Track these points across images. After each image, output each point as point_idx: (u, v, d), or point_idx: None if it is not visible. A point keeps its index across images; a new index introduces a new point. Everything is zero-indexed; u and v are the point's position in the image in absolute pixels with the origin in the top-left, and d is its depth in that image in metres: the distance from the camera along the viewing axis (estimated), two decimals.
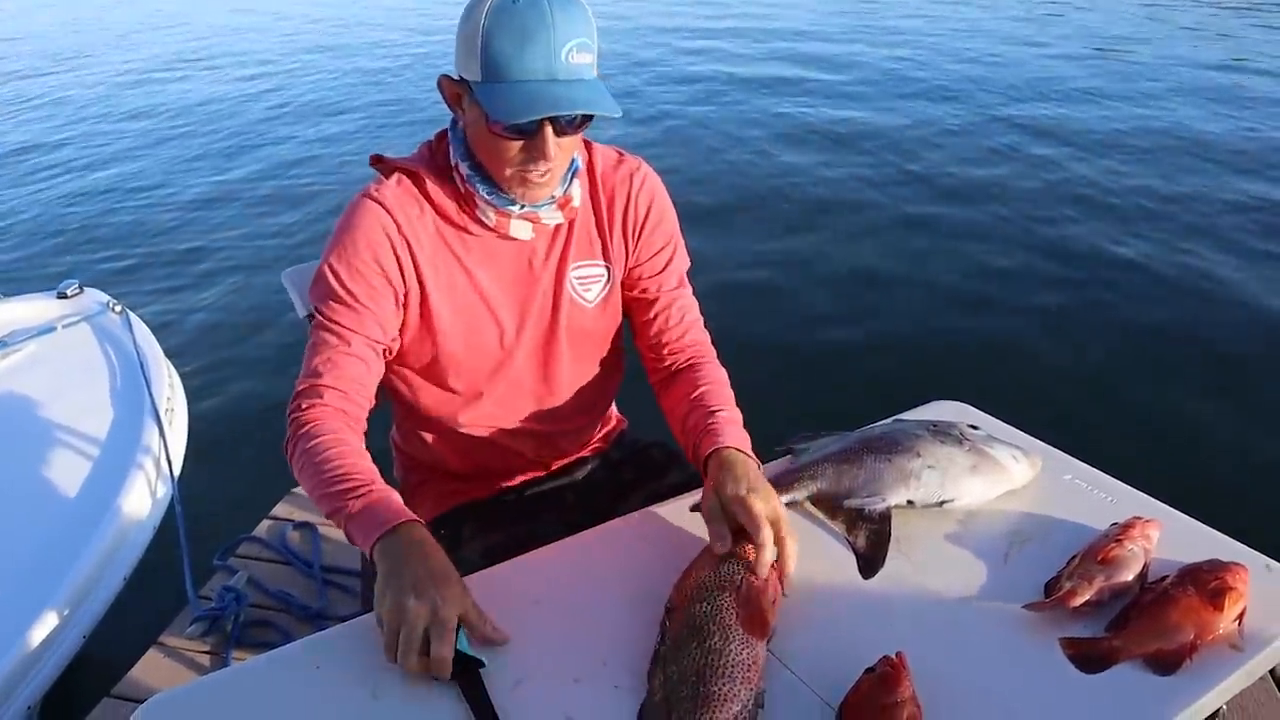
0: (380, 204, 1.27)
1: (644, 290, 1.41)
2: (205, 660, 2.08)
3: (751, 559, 1.10)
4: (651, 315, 1.42)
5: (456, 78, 1.21)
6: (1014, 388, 3.49)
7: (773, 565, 1.10)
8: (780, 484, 1.31)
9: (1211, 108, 7.45)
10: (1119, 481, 1.34)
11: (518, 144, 1.19)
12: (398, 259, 1.27)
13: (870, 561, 1.20)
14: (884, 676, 0.96)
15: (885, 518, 1.25)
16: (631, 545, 1.23)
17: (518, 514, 1.49)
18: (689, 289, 1.46)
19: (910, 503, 1.28)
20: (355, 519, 1.13)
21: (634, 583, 1.14)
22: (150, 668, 2.06)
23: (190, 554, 2.25)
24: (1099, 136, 6.75)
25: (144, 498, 2.36)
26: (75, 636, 2.10)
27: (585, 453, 1.59)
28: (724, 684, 0.97)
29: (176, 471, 2.54)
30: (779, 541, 1.10)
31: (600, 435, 1.60)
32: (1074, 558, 1.16)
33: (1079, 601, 1.08)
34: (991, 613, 1.10)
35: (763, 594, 1.07)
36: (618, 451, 1.60)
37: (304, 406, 1.26)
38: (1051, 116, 7.30)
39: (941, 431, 1.35)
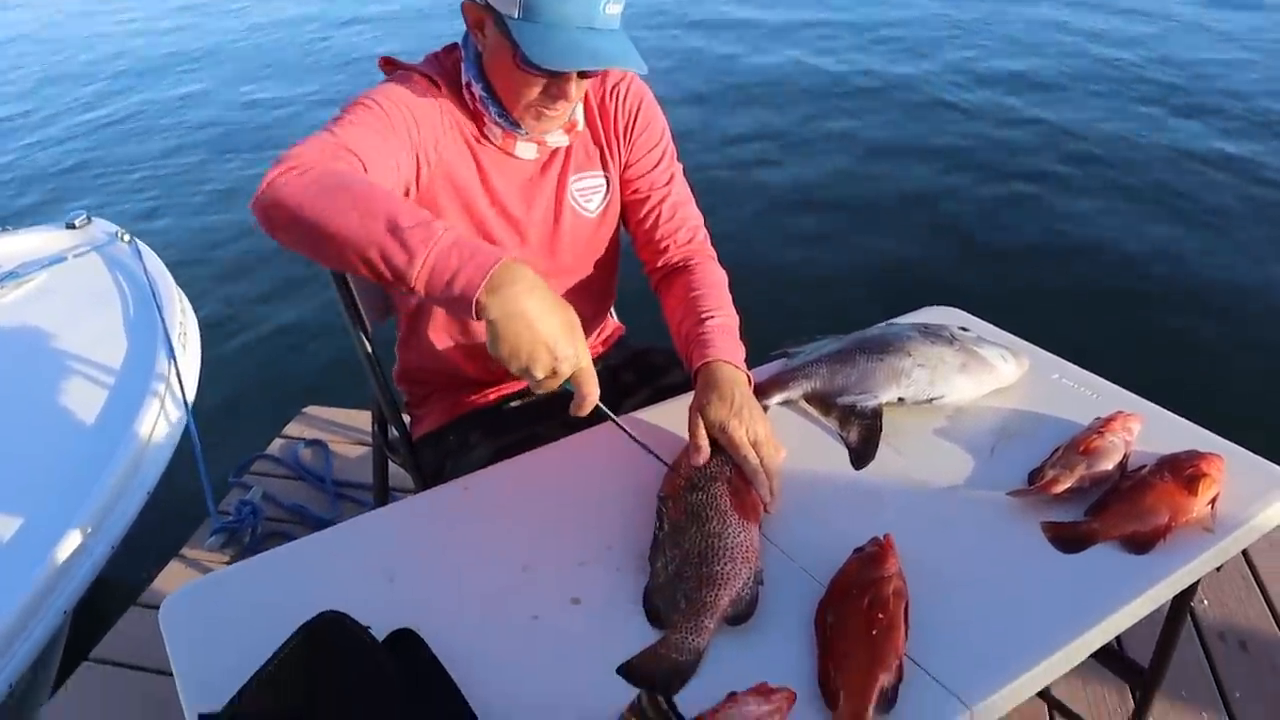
0: (407, 81, 1.26)
1: (636, 190, 1.44)
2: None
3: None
4: (644, 214, 1.44)
5: (483, 3, 1.20)
6: (1007, 296, 3.57)
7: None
8: (775, 384, 1.35)
9: None
10: (1105, 380, 1.38)
11: (541, 83, 1.22)
12: (426, 121, 1.25)
13: (861, 454, 1.25)
14: (872, 555, 1.01)
15: (877, 414, 1.30)
16: (632, 442, 1.28)
17: (522, 419, 1.54)
18: (685, 190, 1.48)
19: (901, 400, 1.32)
20: (453, 252, 0.98)
21: (635, 476, 1.19)
22: (172, 578, 2.14)
23: (208, 472, 2.32)
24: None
25: (160, 420, 2.42)
26: (103, 549, 2.18)
27: None
28: (725, 564, 1.02)
29: (191, 395, 2.60)
30: (763, 463, 1.15)
31: (600, 340, 1.64)
32: (1058, 449, 1.20)
33: (1061, 488, 1.13)
34: (976, 500, 1.15)
35: (748, 491, 1.13)
36: (617, 355, 1.64)
37: (304, 145, 1.10)
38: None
39: (932, 333, 1.38)
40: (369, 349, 1.58)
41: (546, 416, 1.56)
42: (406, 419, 1.63)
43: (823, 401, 1.34)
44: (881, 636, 0.92)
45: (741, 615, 1.00)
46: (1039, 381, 1.38)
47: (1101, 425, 1.21)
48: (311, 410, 2.76)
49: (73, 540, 2.12)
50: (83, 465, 2.27)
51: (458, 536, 1.13)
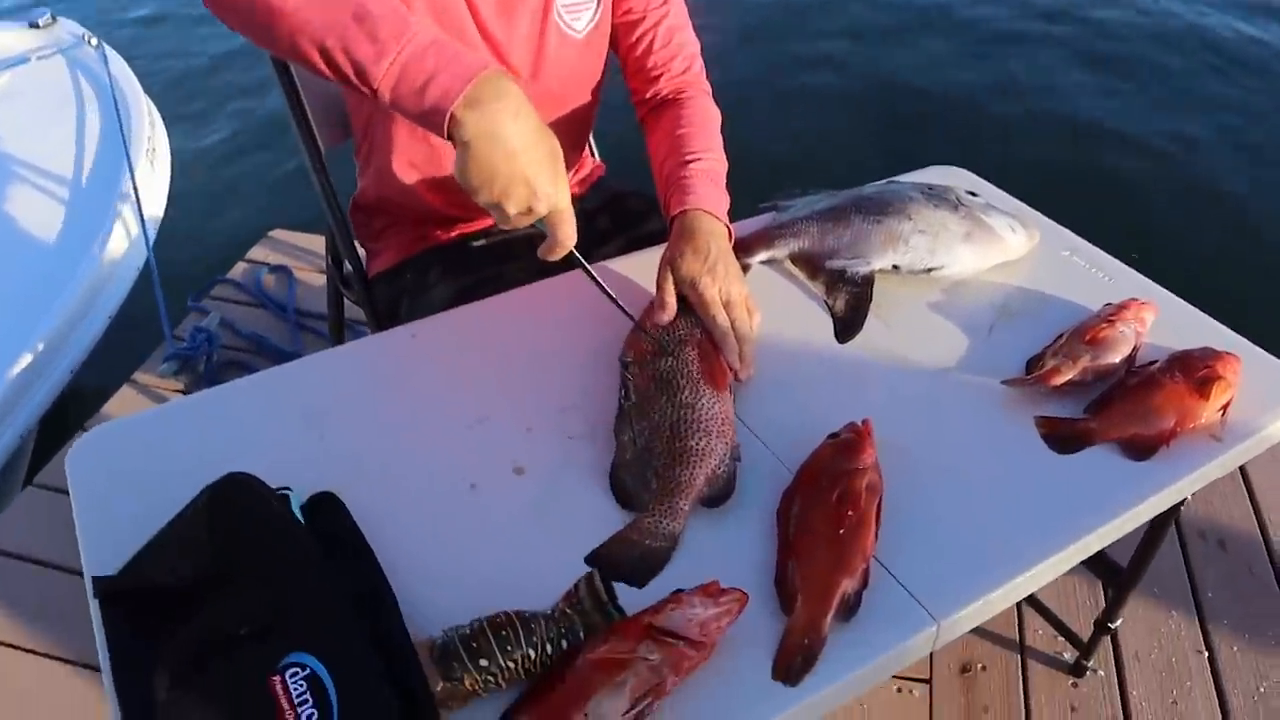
0: None
1: (629, 11, 1.27)
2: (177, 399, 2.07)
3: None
4: (637, 37, 1.28)
5: None
6: (1020, 161, 3.33)
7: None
8: (760, 240, 1.23)
9: None
10: (1119, 262, 1.26)
11: None
12: None
13: (847, 325, 1.14)
14: (846, 442, 0.91)
15: (868, 281, 1.18)
16: (603, 295, 1.16)
17: (486, 258, 1.41)
18: (683, 13, 1.31)
19: (896, 268, 1.20)
20: (430, 53, 0.84)
21: (600, 332, 1.08)
22: (123, 405, 2.05)
23: (164, 295, 2.20)
24: None
25: (124, 238, 2.29)
26: (63, 370, 2.10)
27: None
28: (700, 438, 0.93)
29: (159, 210, 2.46)
30: (735, 327, 1.04)
31: (576, 180, 1.50)
32: (1061, 336, 1.10)
33: (1060, 380, 1.03)
34: (967, 386, 1.05)
35: (718, 357, 1.02)
36: (595, 198, 1.51)
37: None
38: None
39: (936, 196, 1.25)
40: (322, 172, 1.44)
41: (513, 257, 1.43)
42: (363, 252, 1.50)
43: (810, 264, 1.22)
44: (849, 536, 0.83)
45: (719, 495, 0.91)
46: (1048, 257, 1.26)
47: (1111, 313, 1.10)
48: (278, 234, 2.62)
49: (32, 360, 2.03)
50: (42, 282, 2.16)
51: (398, 389, 1.03)
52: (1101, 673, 1.55)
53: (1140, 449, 0.97)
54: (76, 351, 2.14)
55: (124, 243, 2.30)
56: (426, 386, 1.03)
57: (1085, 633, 1.55)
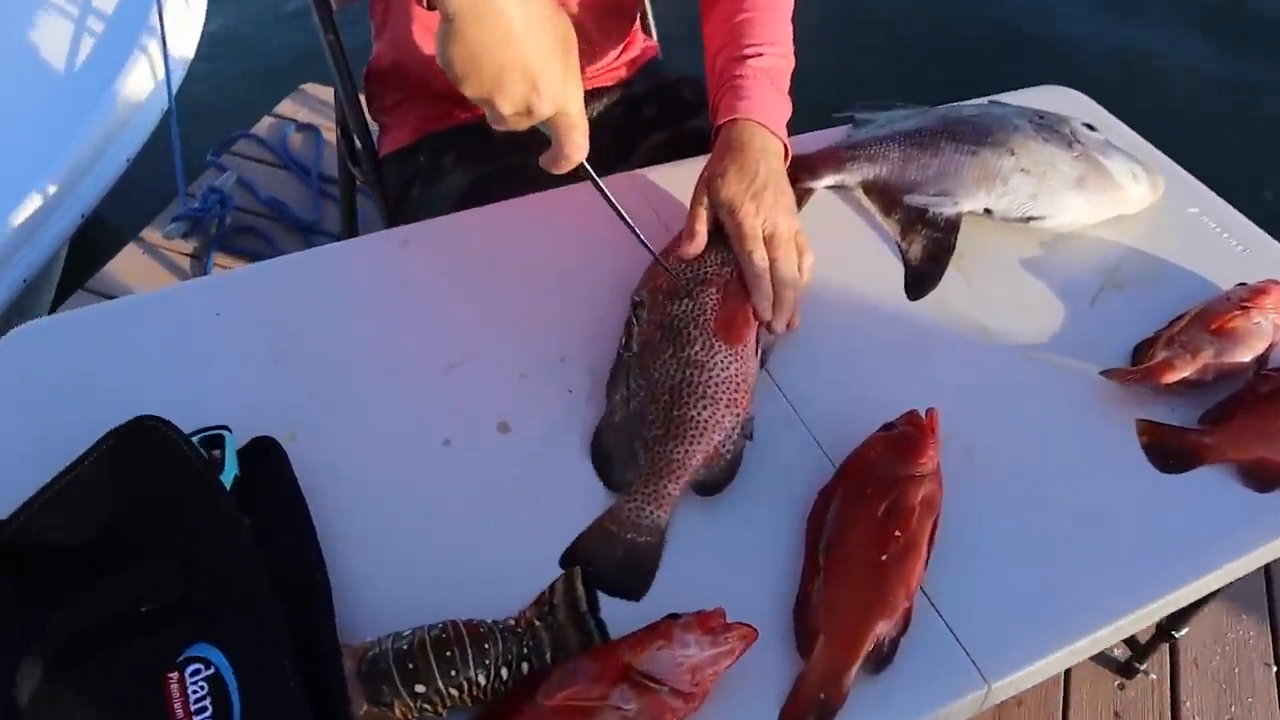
0: None
1: None
2: (185, 263, 1.93)
3: None
4: None
5: None
6: (1148, 87, 2.88)
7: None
8: (827, 160, 1.03)
9: None
10: (1260, 229, 1.04)
11: None
12: None
13: (922, 277, 0.95)
14: (904, 438, 0.74)
15: (952, 225, 0.98)
16: (630, 211, 0.98)
17: (509, 145, 1.21)
18: None
19: (988, 212, 1.00)
20: None
21: (626, 260, 0.89)
22: (126, 265, 1.91)
23: (181, 146, 2.04)
24: None
25: (149, 78, 2.12)
26: (73, 216, 1.96)
27: (604, 80, 1.29)
28: (704, 406, 0.76)
29: (191, 52, 2.28)
30: (775, 268, 0.85)
31: (624, 60, 1.29)
32: (1180, 318, 0.90)
33: (1173, 377, 0.83)
34: (1057, 372, 0.87)
35: (747, 304, 0.84)
36: (643, 81, 1.30)
37: None
38: None
39: (1048, 127, 1.03)
40: (331, 30, 1.25)
41: (541, 145, 1.25)
42: (375, 127, 1.32)
43: (885, 196, 1.02)
44: (893, 564, 0.67)
45: (715, 480, 0.75)
46: (1172, 215, 1.04)
47: (1245, 296, 0.90)
48: (310, 88, 2.42)
49: (41, 202, 1.90)
50: (56, 119, 2.01)
51: (375, 310, 0.86)
52: (1154, 676, 1.40)
53: (1266, 476, 0.79)
54: (89, 195, 2.00)
55: (148, 82, 2.13)
56: (409, 309, 0.87)
57: (1144, 633, 1.39)
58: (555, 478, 0.75)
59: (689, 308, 0.82)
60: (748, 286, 0.84)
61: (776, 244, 0.86)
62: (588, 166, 0.79)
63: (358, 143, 1.32)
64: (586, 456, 0.76)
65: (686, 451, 0.74)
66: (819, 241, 0.89)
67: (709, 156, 0.93)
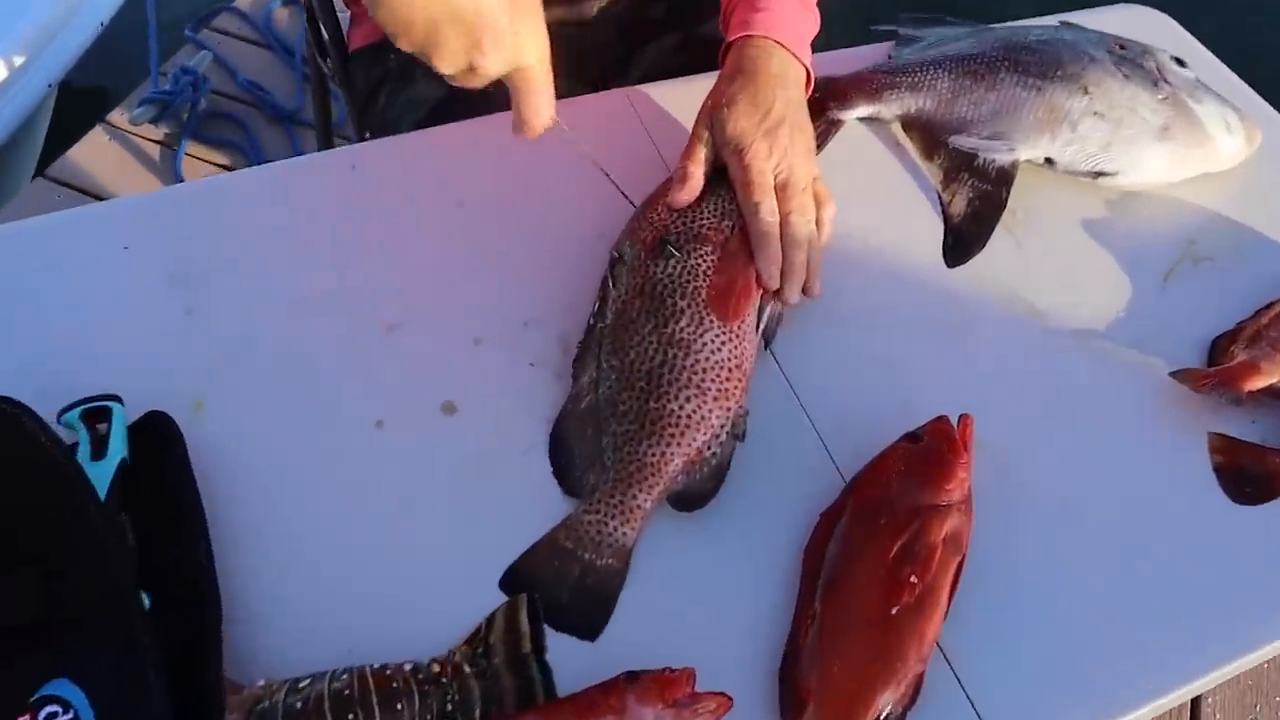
0: None
1: None
2: (154, 151, 1.77)
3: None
4: None
5: None
6: (1246, 13, 2.58)
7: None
8: (860, 87, 0.87)
9: None
10: None
11: None
12: None
13: (963, 240, 0.80)
14: (930, 453, 0.61)
15: (1005, 177, 0.83)
16: (625, 139, 0.83)
17: None
18: None
19: (1050, 162, 0.84)
20: None
21: (616, 204, 0.75)
22: (90, 151, 1.75)
23: (159, 18, 1.86)
24: None
25: None
26: (38, 85, 1.80)
27: None
28: (686, 398, 0.63)
29: None
30: (786, 224, 0.70)
31: None
32: (1269, 307, 0.75)
33: (1257, 384, 0.69)
34: (1117, 367, 0.73)
35: (749, 267, 0.70)
36: None
37: None
38: None
39: (1130, 61, 0.87)
40: None
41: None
42: (346, 17, 1.16)
43: (928, 134, 0.86)
44: (905, 620, 0.54)
45: (694, 493, 0.62)
46: (1269, 176, 0.88)
47: None
48: None
49: (4, 67, 1.73)
50: None
51: (309, 251, 0.72)
52: None
53: None
54: (57, 61, 1.82)
55: None
56: (349, 252, 0.73)
57: None
58: (504, 476, 0.62)
59: (676, 272, 0.67)
60: (752, 245, 0.70)
61: (790, 194, 0.71)
62: (563, 125, 0.65)
63: (324, 32, 1.15)
64: (544, 451, 0.64)
65: (663, 454, 0.61)
66: (839, 186, 0.74)
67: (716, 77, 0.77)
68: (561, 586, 0.58)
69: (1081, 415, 0.69)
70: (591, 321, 0.67)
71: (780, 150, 0.71)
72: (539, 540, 0.59)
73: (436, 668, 0.53)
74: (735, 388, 0.64)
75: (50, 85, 1.81)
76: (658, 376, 0.63)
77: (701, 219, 0.71)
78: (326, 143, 1.34)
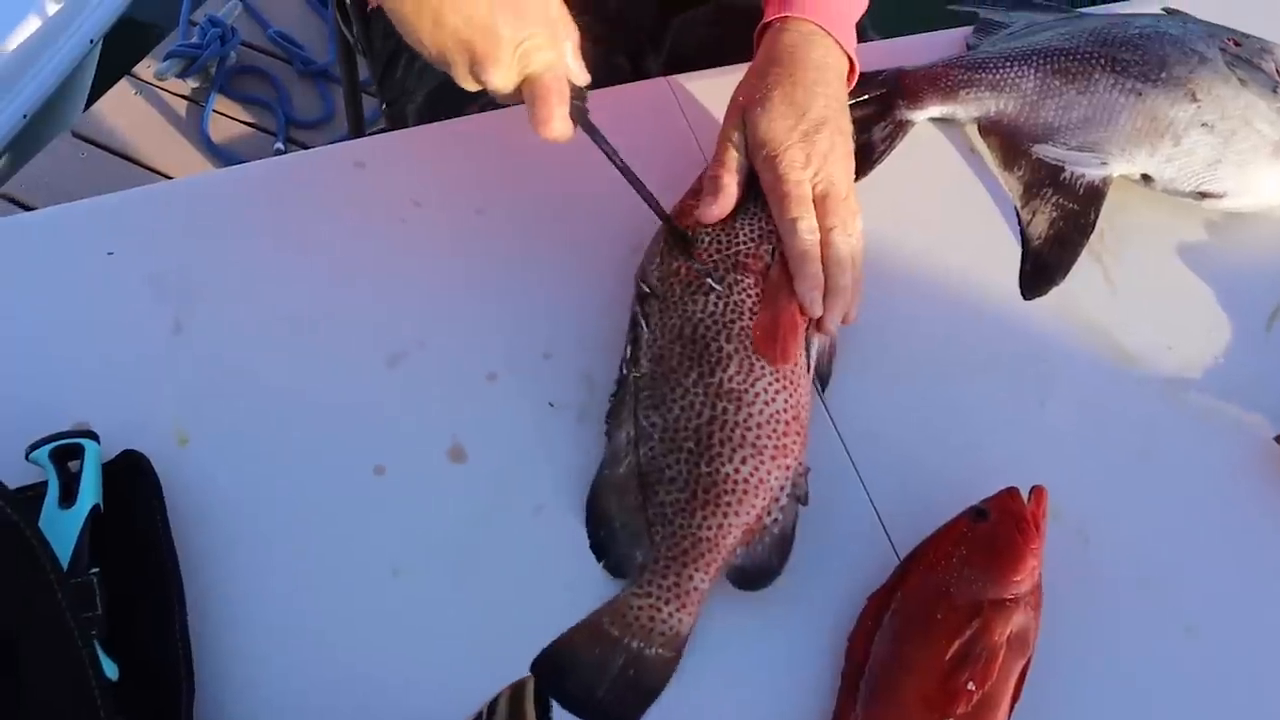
0: None
1: None
2: (181, 107, 1.70)
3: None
4: None
5: None
6: None
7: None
8: (937, 84, 0.78)
9: None
10: None
11: None
12: None
13: (1044, 267, 0.71)
14: (996, 534, 0.53)
15: (1095, 194, 0.73)
16: (655, 134, 0.74)
17: None
18: None
19: (1147, 179, 0.74)
20: None
21: (649, 216, 0.67)
22: (116, 106, 1.68)
23: None
24: None
25: None
26: (81, 40, 1.74)
27: None
28: (742, 460, 0.55)
29: None
30: (827, 242, 0.61)
31: None
32: None
33: None
34: (1216, 424, 0.64)
35: (791, 297, 0.61)
36: None
37: None
38: None
39: (1246, 61, 0.76)
40: None
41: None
42: None
43: (1008, 142, 0.77)
44: None
45: (758, 568, 0.55)
46: None
47: None
48: None
49: (36, 24, 1.67)
50: None
51: (307, 267, 0.65)
52: None
53: None
54: (100, 17, 1.76)
55: None
56: (351, 270, 0.65)
57: None
58: (518, 536, 0.56)
59: (717, 309, 0.59)
60: (791, 269, 0.61)
61: (831, 206, 0.62)
62: (592, 124, 0.58)
63: None
64: (570, 510, 0.57)
65: (720, 525, 0.54)
66: (900, 198, 0.65)
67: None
68: (605, 676, 0.52)
69: (1172, 482, 0.61)
70: (624, 369, 0.60)
71: (819, 157, 0.62)
72: (579, 623, 0.53)
73: None
74: (794, 443, 0.57)
75: (92, 41, 1.75)
76: (707, 435, 0.56)
77: (740, 239, 0.62)
78: (355, 108, 1.27)
